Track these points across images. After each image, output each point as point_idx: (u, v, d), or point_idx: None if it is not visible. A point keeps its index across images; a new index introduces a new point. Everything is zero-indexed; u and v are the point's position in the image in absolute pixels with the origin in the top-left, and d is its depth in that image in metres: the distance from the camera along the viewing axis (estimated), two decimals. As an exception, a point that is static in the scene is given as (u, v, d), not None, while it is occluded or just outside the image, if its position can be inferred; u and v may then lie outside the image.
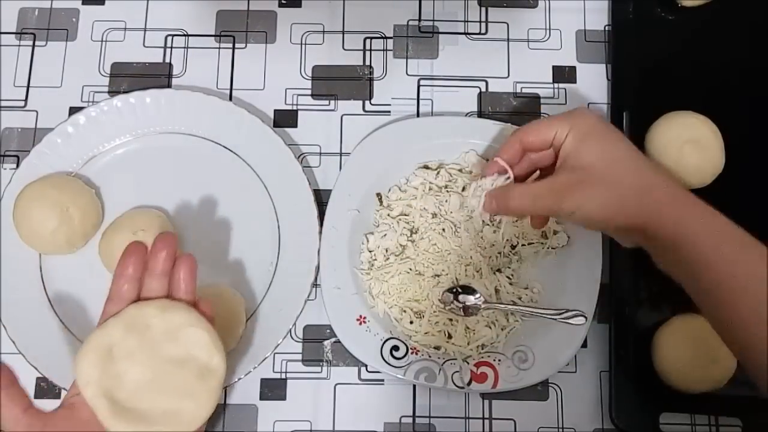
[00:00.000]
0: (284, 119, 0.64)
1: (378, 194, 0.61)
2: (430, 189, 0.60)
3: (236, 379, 0.56)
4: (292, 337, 0.59)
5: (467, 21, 0.66)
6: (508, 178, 0.52)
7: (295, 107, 0.64)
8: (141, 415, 0.44)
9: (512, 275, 0.59)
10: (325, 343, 0.59)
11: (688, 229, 0.46)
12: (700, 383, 0.56)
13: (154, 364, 0.45)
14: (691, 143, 0.59)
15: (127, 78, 0.65)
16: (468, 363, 0.57)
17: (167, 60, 0.65)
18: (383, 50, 0.66)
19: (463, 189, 0.60)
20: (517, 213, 0.55)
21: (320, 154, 0.63)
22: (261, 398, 0.58)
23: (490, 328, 0.58)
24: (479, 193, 0.53)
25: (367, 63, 0.65)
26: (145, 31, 0.66)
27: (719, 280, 0.44)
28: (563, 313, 0.56)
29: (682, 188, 0.49)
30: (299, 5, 0.67)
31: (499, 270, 0.59)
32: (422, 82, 0.65)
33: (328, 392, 0.58)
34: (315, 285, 0.59)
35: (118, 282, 0.48)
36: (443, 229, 0.59)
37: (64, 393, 0.56)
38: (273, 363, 0.59)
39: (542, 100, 0.64)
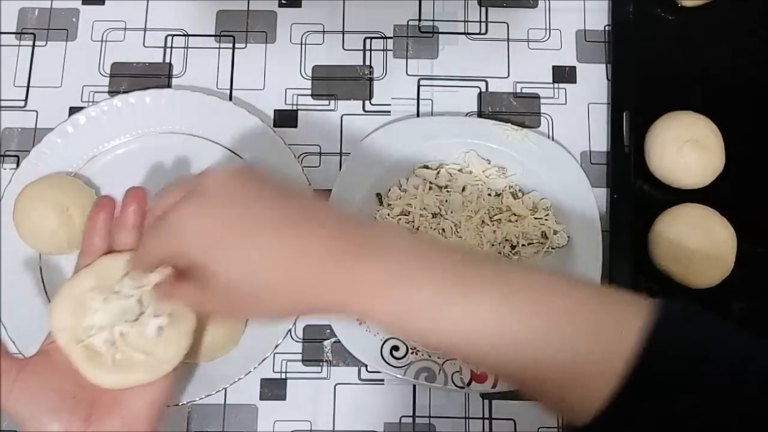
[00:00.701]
0: (284, 119, 0.64)
1: (378, 194, 0.61)
2: (430, 189, 0.60)
3: (236, 379, 0.56)
4: (292, 337, 0.59)
5: (467, 21, 0.66)
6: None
7: (295, 107, 0.64)
8: (114, 361, 0.45)
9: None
10: (325, 343, 0.59)
11: (369, 311, 0.38)
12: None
13: (125, 312, 0.46)
14: (691, 143, 0.59)
15: (127, 78, 0.65)
16: (468, 363, 0.57)
17: (167, 60, 0.65)
18: (383, 50, 0.66)
19: (464, 189, 0.60)
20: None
21: (320, 154, 0.63)
22: (261, 398, 0.58)
23: (490, 328, 0.58)
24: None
25: (367, 63, 0.65)
26: (145, 31, 0.66)
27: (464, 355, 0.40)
28: (563, 313, 0.56)
29: (350, 251, 0.38)
30: (299, 5, 0.67)
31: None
32: (422, 82, 0.65)
33: (328, 392, 0.58)
34: (315, 285, 0.59)
35: (89, 236, 0.49)
36: (443, 229, 0.59)
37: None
38: (273, 363, 0.59)
39: (542, 100, 0.64)
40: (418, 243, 0.40)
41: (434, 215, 0.60)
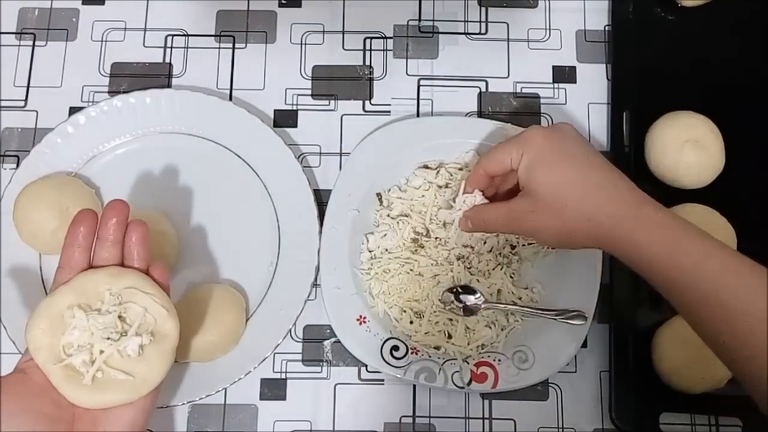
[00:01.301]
0: (284, 119, 0.64)
1: (378, 194, 0.61)
2: (429, 189, 0.60)
3: (236, 379, 0.56)
4: (292, 337, 0.59)
5: (467, 21, 0.66)
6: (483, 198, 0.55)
7: (295, 107, 0.64)
8: (94, 380, 0.44)
9: (513, 275, 0.59)
10: (325, 343, 0.59)
11: (641, 250, 0.46)
12: (700, 383, 0.56)
13: (105, 330, 0.45)
14: (691, 143, 0.59)
15: (127, 78, 0.65)
16: (468, 363, 0.57)
17: (167, 60, 0.65)
18: (383, 50, 0.66)
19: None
20: (488, 231, 0.56)
21: (320, 154, 0.63)
22: (261, 398, 0.58)
23: (490, 328, 0.58)
24: (458, 208, 0.56)
25: (367, 63, 0.65)
26: (145, 31, 0.66)
27: (697, 300, 0.45)
28: (563, 313, 0.56)
29: (632, 204, 0.48)
30: (299, 5, 0.67)
31: (500, 269, 0.59)
32: (422, 82, 0.65)
33: (328, 392, 0.58)
34: (315, 285, 0.59)
35: (69, 250, 0.48)
36: (444, 228, 0.59)
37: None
38: (273, 363, 0.59)
39: (542, 100, 0.64)
40: (677, 215, 0.48)
41: (434, 215, 0.59)
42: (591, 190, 0.48)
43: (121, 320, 0.46)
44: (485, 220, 0.53)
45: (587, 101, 0.64)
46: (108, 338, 0.45)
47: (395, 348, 0.57)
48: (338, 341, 0.58)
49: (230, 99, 0.64)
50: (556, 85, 0.65)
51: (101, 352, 0.45)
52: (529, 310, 0.57)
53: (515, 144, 0.51)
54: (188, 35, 0.66)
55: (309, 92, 0.65)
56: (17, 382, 0.45)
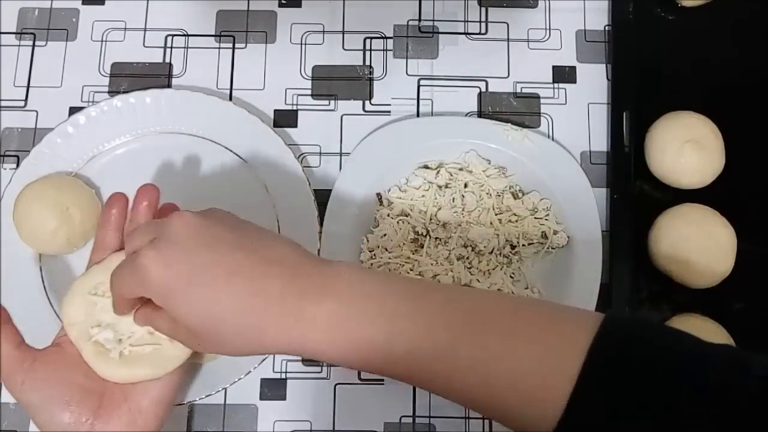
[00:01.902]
0: (284, 119, 0.64)
1: (378, 194, 0.61)
2: (429, 189, 0.60)
3: (236, 379, 0.56)
4: (292, 337, 0.59)
5: (467, 21, 0.66)
6: None
7: (295, 107, 0.64)
8: (122, 356, 0.46)
9: (513, 275, 0.59)
10: (325, 343, 0.59)
11: (322, 357, 0.41)
12: (700, 383, 0.55)
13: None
14: (691, 143, 0.59)
15: (127, 78, 0.65)
16: (468, 363, 0.57)
17: (167, 60, 0.65)
18: (383, 50, 0.66)
19: (466, 186, 0.60)
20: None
21: (320, 154, 0.63)
22: (261, 398, 0.58)
23: (490, 328, 0.57)
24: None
25: (367, 63, 0.65)
26: (145, 31, 0.66)
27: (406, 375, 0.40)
28: (563, 313, 0.56)
29: (285, 309, 0.40)
30: (299, 5, 0.67)
31: (500, 269, 0.59)
32: (422, 82, 0.65)
33: (328, 392, 0.58)
34: (315, 285, 0.59)
35: (102, 231, 0.51)
36: (444, 228, 0.59)
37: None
38: (273, 363, 0.59)
39: (542, 100, 0.64)
40: (368, 279, 0.41)
41: (434, 215, 0.60)
42: (235, 317, 0.40)
43: None
44: (155, 325, 0.46)
45: (587, 101, 0.64)
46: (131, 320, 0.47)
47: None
48: (338, 341, 0.58)
49: (230, 99, 0.64)
50: (556, 85, 0.65)
51: (128, 335, 0.47)
52: (529, 310, 0.57)
53: (133, 279, 0.42)
54: (188, 35, 0.66)
55: (309, 92, 0.65)
56: (53, 354, 0.47)
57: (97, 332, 0.47)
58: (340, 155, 0.63)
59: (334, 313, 0.39)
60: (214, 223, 0.43)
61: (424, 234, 0.59)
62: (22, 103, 0.64)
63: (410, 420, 0.58)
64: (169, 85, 0.64)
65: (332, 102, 0.64)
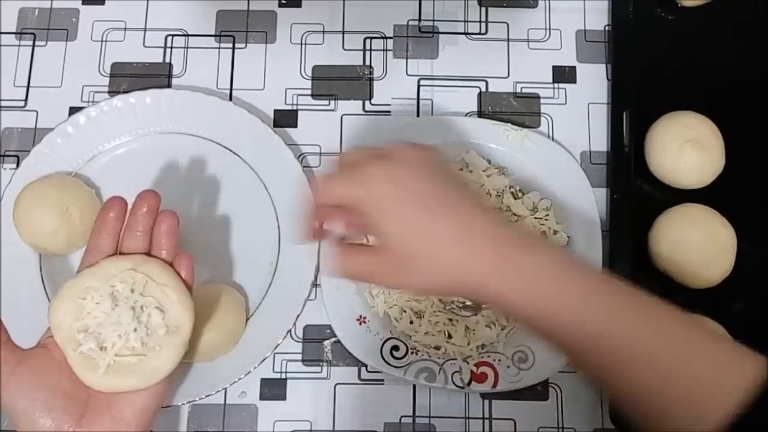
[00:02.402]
0: (284, 119, 0.64)
1: (378, 194, 0.61)
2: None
3: (236, 379, 0.56)
4: (292, 337, 0.59)
5: (467, 21, 0.67)
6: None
7: (295, 107, 0.64)
8: (108, 365, 0.45)
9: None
10: (325, 343, 0.59)
11: (512, 302, 0.41)
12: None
13: (122, 317, 0.46)
14: (691, 143, 0.59)
15: (127, 78, 0.65)
16: (468, 363, 0.57)
17: (167, 60, 0.65)
18: (383, 50, 0.66)
19: (465, 185, 0.60)
20: (353, 279, 0.51)
21: (320, 154, 0.63)
22: (261, 398, 0.58)
23: (490, 328, 0.58)
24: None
25: (367, 63, 0.65)
26: (145, 31, 0.66)
27: (584, 349, 0.41)
28: (563, 313, 0.56)
29: (491, 255, 0.41)
30: (299, 5, 0.67)
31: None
32: (422, 82, 0.65)
33: (328, 392, 0.58)
34: (315, 285, 0.59)
35: (97, 235, 0.49)
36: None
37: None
38: (273, 363, 0.59)
39: (542, 100, 0.64)
40: (572, 258, 0.43)
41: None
42: (445, 246, 0.41)
43: (134, 309, 0.47)
44: (347, 270, 0.45)
45: (587, 101, 0.64)
46: (118, 330, 0.46)
47: (395, 348, 0.57)
48: (338, 341, 0.58)
49: (230, 99, 0.64)
50: (556, 85, 0.65)
51: (113, 344, 0.46)
52: (529, 310, 0.57)
53: (355, 182, 0.43)
54: (188, 35, 0.66)
55: (309, 92, 0.65)
56: (39, 357, 0.46)
57: (82, 338, 0.46)
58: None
59: (540, 267, 0.41)
60: (434, 158, 0.45)
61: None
62: (22, 103, 0.64)
63: (410, 420, 0.58)
64: (169, 85, 0.64)
65: (332, 102, 0.64)
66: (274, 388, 0.58)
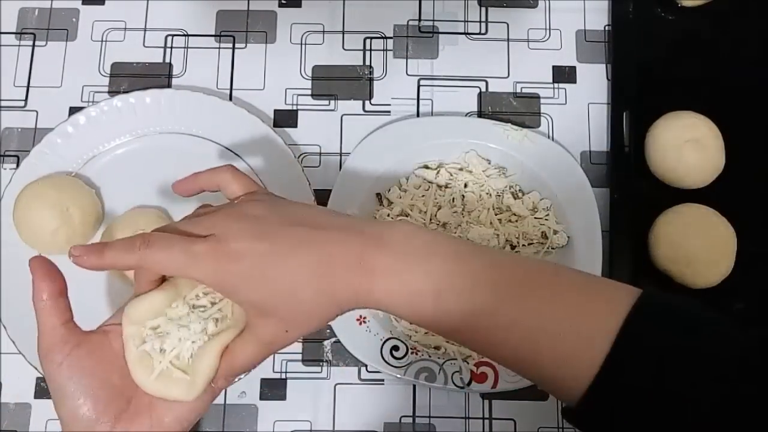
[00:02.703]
0: (284, 119, 0.64)
1: (378, 194, 0.61)
2: (429, 189, 0.60)
3: (236, 380, 0.56)
4: (292, 337, 0.59)
5: (467, 21, 0.67)
6: None
7: (295, 107, 0.64)
8: (161, 370, 0.45)
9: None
10: (325, 343, 0.59)
11: (388, 303, 0.41)
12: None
13: (192, 326, 0.45)
14: (691, 143, 0.59)
15: (127, 78, 0.65)
16: (468, 363, 0.57)
17: (167, 60, 0.65)
18: (383, 50, 0.66)
19: (466, 186, 0.60)
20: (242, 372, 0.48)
21: (320, 154, 0.63)
22: (261, 398, 0.58)
23: (490, 328, 0.57)
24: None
25: (367, 63, 0.65)
26: (145, 31, 0.66)
27: (454, 328, 0.41)
28: (563, 313, 0.56)
29: (349, 263, 0.41)
30: (299, 5, 0.67)
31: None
32: (422, 82, 0.65)
33: (328, 392, 0.58)
34: (315, 285, 0.59)
35: None
36: (444, 228, 0.59)
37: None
38: (273, 363, 0.59)
39: (542, 100, 0.64)
40: (420, 235, 0.42)
41: (434, 215, 0.60)
42: (303, 278, 0.41)
43: (206, 322, 0.45)
44: (235, 372, 0.45)
45: (587, 101, 0.64)
46: (182, 334, 0.45)
47: (395, 348, 0.57)
48: (338, 341, 0.58)
49: (230, 99, 0.64)
50: (556, 85, 0.65)
51: (173, 348, 0.45)
52: (529, 310, 0.57)
53: (189, 262, 0.41)
54: (188, 35, 0.66)
55: (309, 92, 0.65)
56: (97, 343, 0.45)
57: (148, 335, 0.45)
58: (340, 155, 0.63)
59: (390, 266, 0.41)
60: (256, 210, 0.44)
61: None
62: (22, 103, 0.64)
63: (410, 420, 0.58)
64: (169, 85, 0.64)
65: (332, 102, 0.64)
66: (274, 388, 0.58)
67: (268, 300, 0.42)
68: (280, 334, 0.43)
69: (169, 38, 0.66)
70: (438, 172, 0.61)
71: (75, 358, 0.43)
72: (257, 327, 0.43)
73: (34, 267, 0.44)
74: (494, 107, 0.64)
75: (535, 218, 0.60)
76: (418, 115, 0.64)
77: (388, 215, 0.60)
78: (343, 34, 0.66)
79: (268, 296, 0.42)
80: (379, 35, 0.66)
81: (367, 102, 0.64)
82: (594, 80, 0.65)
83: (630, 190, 0.60)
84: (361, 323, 0.57)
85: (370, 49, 0.66)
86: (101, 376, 0.44)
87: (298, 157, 0.62)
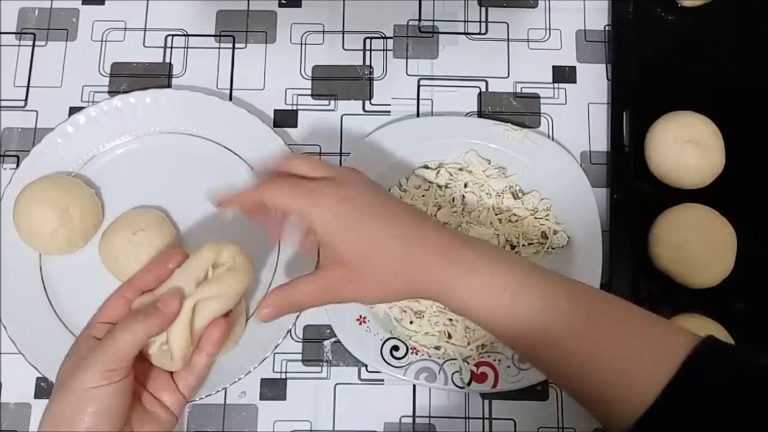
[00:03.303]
0: (284, 119, 0.64)
1: (378, 194, 0.61)
2: (429, 189, 0.60)
3: (236, 379, 0.56)
4: (292, 337, 0.59)
5: (467, 21, 0.67)
6: None
7: (295, 107, 0.64)
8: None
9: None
10: (325, 343, 0.59)
11: (460, 297, 0.45)
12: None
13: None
14: (691, 143, 0.59)
15: (127, 78, 0.65)
16: (468, 363, 0.57)
17: (167, 60, 0.65)
18: (383, 50, 0.66)
19: (466, 186, 0.60)
20: (301, 310, 0.54)
21: (320, 154, 0.63)
22: (261, 398, 0.58)
23: (490, 328, 0.58)
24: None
25: (367, 63, 0.65)
26: (145, 31, 0.66)
27: (522, 334, 0.44)
28: (563, 313, 0.56)
29: (441, 252, 0.45)
30: (299, 5, 0.67)
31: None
32: (422, 82, 0.65)
33: (328, 392, 0.58)
34: (315, 285, 0.59)
35: (144, 276, 0.51)
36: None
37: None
38: (273, 363, 0.59)
39: (542, 100, 0.64)
40: (501, 250, 0.48)
41: (434, 215, 0.60)
42: (398, 246, 0.45)
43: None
44: (294, 302, 0.47)
45: (587, 101, 0.64)
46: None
47: (395, 348, 0.57)
48: (338, 341, 0.58)
49: (230, 99, 0.64)
50: (556, 85, 0.65)
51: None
52: (529, 310, 0.57)
53: (307, 201, 0.46)
54: (188, 35, 0.66)
55: (309, 92, 0.65)
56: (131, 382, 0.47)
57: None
58: (340, 155, 0.63)
59: (474, 258, 0.44)
60: (370, 180, 0.49)
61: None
62: (22, 103, 0.64)
63: (410, 420, 0.58)
64: (169, 85, 0.64)
65: (332, 102, 0.64)
66: (274, 388, 0.58)
67: (358, 253, 0.45)
68: (346, 284, 0.46)
69: (169, 38, 0.66)
70: (438, 172, 0.61)
71: (125, 383, 0.45)
72: (329, 270, 0.46)
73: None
74: (494, 107, 0.64)
75: (535, 218, 0.60)
76: (418, 115, 0.64)
77: (388, 215, 0.60)
78: (343, 34, 0.66)
79: (362, 250, 0.45)
80: (379, 35, 0.66)
81: (367, 102, 0.64)
82: (594, 80, 0.65)
83: (630, 190, 0.60)
84: (361, 323, 0.57)
85: (370, 49, 0.66)
86: (119, 404, 0.46)
87: (298, 157, 0.62)
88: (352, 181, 0.47)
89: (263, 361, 0.56)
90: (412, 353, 0.57)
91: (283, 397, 0.58)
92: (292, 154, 0.51)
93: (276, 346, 0.57)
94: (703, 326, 0.56)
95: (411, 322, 0.58)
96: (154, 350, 0.48)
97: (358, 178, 0.48)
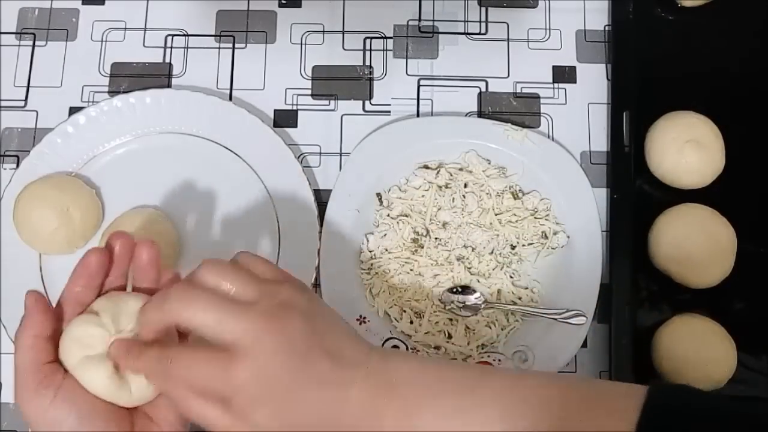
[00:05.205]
0: (284, 119, 0.64)
1: (378, 194, 0.61)
2: (429, 189, 0.60)
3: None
4: (292, 337, 0.59)
5: (467, 21, 0.66)
6: None
7: (295, 107, 0.64)
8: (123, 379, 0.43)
9: (513, 275, 0.59)
10: (325, 343, 0.59)
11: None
12: (700, 383, 0.56)
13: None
14: (691, 143, 0.59)
15: (127, 78, 0.65)
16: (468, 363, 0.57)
17: (167, 60, 0.65)
18: (383, 50, 0.66)
19: (466, 186, 0.60)
20: None
21: (320, 154, 0.63)
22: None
23: (490, 328, 0.58)
24: None
25: (367, 63, 0.65)
26: (145, 31, 0.66)
27: None
28: (563, 313, 0.56)
29: (363, 401, 0.41)
30: (299, 5, 0.67)
31: (500, 269, 0.59)
32: (422, 82, 0.65)
33: (328, 392, 0.58)
34: (315, 285, 0.59)
35: (73, 287, 0.46)
36: (444, 229, 0.59)
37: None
38: (273, 363, 0.59)
39: (542, 100, 0.64)
40: (426, 372, 0.43)
41: (434, 215, 0.60)
42: (323, 421, 0.41)
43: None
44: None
45: (587, 101, 0.64)
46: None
47: (395, 348, 0.57)
48: (338, 341, 0.58)
49: (230, 99, 0.64)
50: (556, 85, 0.65)
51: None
52: (529, 310, 0.57)
53: (215, 378, 0.40)
54: (188, 35, 0.66)
55: (309, 92, 0.65)
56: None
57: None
58: (340, 155, 0.63)
59: (400, 411, 0.41)
60: (288, 329, 0.41)
61: (424, 234, 0.59)
62: (22, 103, 0.64)
63: (410, 420, 0.58)
64: (169, 85, 0.64)
65: (332, 102, 0.64)
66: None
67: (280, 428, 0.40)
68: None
69: (169, 38, 0.66)
70: (438, 172, 0.61)
71: (68, 388, 0.41)
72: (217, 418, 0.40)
73: (30, 303, 0.43)
74: (494, 107, 0.64)
75: (535, 218, 0.60)
76: (418, 115, 0.64)
77: (388, 215, 0.60)
78: (343, 34, 0.66)
79: (280, 426, 0.40)
80: (379, 35, 0.66)
81: (367, 102, 0.64)
82: (594, 80, 0.65)
83: (630, 190, 0.60)
84: (361, 323, 0.57)
85: (370, 49, 0.66)
86: (100, 402, 0.42)
87: (298, 157, 0.62)
88: (264, 341, 0.40)
89: None
90: (412, 353, 0.57)
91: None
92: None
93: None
94: (703, 326, 0.56)
95: (411, 322, 0.58)
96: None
97: (279, 314, 0.41)
